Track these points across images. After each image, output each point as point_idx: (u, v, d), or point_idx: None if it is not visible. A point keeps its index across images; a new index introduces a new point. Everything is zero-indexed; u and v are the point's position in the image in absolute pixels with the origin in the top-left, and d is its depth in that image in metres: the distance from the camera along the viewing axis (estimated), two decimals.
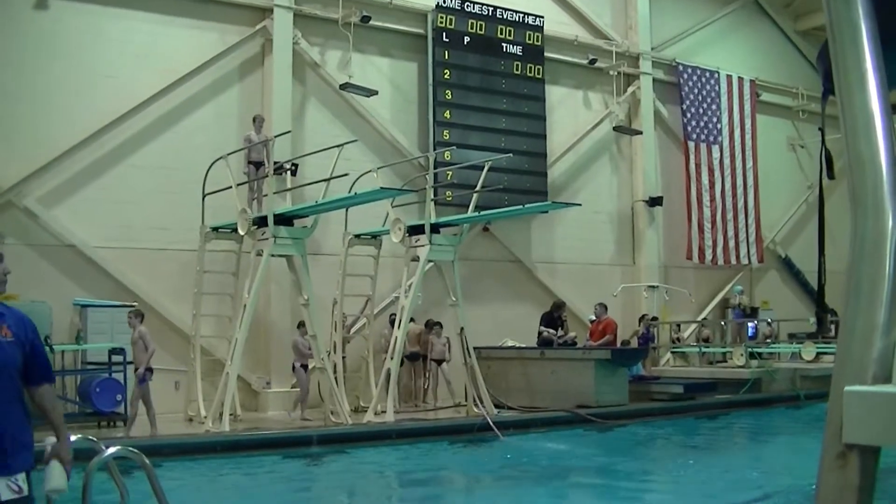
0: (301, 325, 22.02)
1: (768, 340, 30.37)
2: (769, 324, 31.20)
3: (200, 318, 21.82)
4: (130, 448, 7.06)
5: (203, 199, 21.76)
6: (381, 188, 20.67)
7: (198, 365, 21.60)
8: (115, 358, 20.83)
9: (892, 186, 1.78)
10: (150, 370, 18.43)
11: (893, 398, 1.64)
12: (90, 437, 7.34)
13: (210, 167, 21.58)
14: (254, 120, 23.06)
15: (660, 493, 16.69)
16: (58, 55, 22.32)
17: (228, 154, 21.53)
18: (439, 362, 24.32)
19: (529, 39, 29.05)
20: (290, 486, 16.29)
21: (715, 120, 34.20)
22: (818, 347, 26.02)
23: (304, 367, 21.94)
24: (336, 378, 21.39)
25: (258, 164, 22.26)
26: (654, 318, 30.15)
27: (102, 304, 21.49)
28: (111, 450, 6.75)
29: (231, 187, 21.09)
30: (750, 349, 28.25)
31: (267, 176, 20.94)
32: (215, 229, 21.97)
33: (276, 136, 21.70)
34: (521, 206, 23.54)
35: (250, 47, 24.94)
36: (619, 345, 26.20)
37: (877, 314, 1.71)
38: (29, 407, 6.07)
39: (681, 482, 16.96)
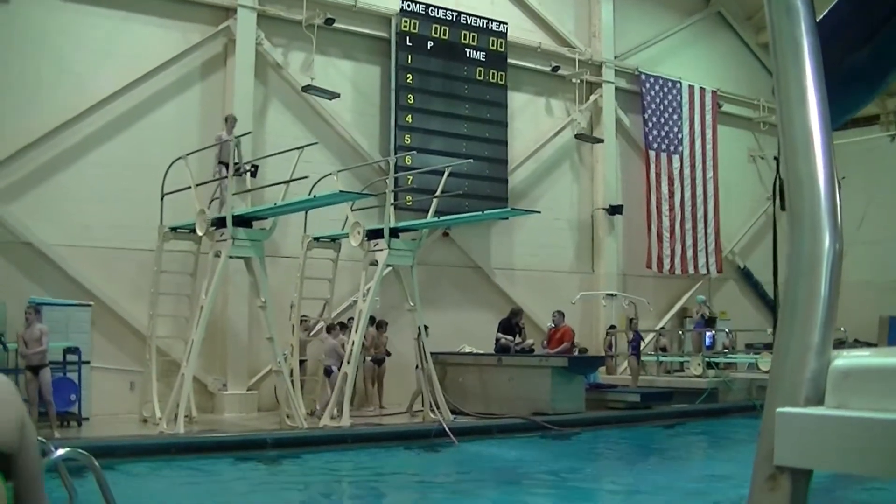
0: (331, 328, 22.65)
1: (726, 351, 30.51)
2: (727, 334, 31.31)
3: (157, 318, 21.69)
4: (79, 450, 7.01)
5: (162, 198, 21.64)
6: (341, 191, 20.63)
7: (153, 365, 21.45)
8: (70, 357, 20.70)
9: (830, 206, 1.79)
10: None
11: (825, 420, 1.64)
12: (40, 439, 7.29)
13: (170, 167, 21.46)
14: (226, 120, 22.91)
15: (612, 501, 16.76)
16: (17, 50, 22.14)
17: (189, 154, 21.41)
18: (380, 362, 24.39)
19: (493, 45, 29.07)
20: (243, 489, 16.23)
21: (676, 130, 34.35)
22: None
23: (329, 370, 22.07)
24: (293, 381, 21.33)
25: (228, 165, 22.17)
26: (612, 327, 30.22)
27: (58, 302, 21.31)
28: (59, 451, 6.70)
29: (190, 187, 21.02)
30: (707, 359, 28.38)
31: (226, 177, 20.89)
32: (174, 229, 21.85)
33: (237, 137, 21.64)
34: (480, 213, 23.51)
35: (213, 47, 24.83)
36: (576, 352, 26.28)
37: (811, 335, 1.71)
38: None
39: (633, 491, 17.01)
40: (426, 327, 22.28)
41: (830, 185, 1.82)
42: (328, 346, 23.00)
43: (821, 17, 2.61)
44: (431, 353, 22.41)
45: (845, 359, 1.65)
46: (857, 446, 1.57)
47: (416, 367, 22.41)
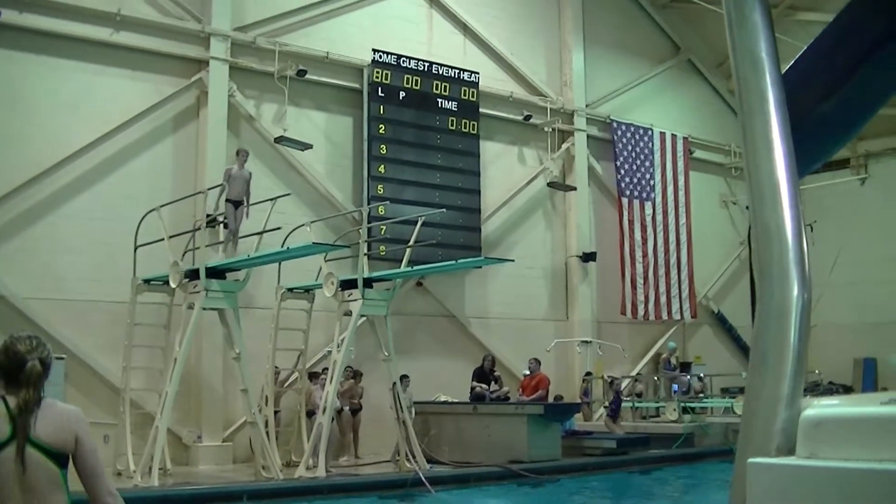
0: (314, 375, 23.02)
1: (700, 395, 30.52)
2: (700, 379, 31.33)
3: (131, 370, 21.50)
4: None
5: (135, 250, 21.58)
6: (314, 243, 20.65)
7: (127, 418, 21.26)
8: None
9: (798, 256, 1.79)
10: None
11: (797, 470, 1.63)
12: None
13: (143, 219, 21.43)
14: (237, 153, 22.81)
15: None
16: None
17: (162, 206, 21.41)
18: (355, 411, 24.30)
19: (465, 95, 29.19)
20: None
21: (648, 176, 34.49)
22: None
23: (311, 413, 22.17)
24: (268, 432, 21.22)
25: (236, 203, 21.94)
26: (588, 373, 30.20)
27: None
28: None
29: (164, 239, 20.98)
30: (683, 404, 28.38)
31: (212, 224, 20.86)
32: (147, 281, 21.79)
33: (209, 190, 21.62)
34: (454, 262, 23.55)
35: (185, 99, 24.85)
36: (551, 399, 26.25)
37: (781, 385, 1.71)
38: None
39: None
40: (405, 377, 22.28)
41: (798, 235, 1.82)
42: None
43: (786, 69, 2.64)
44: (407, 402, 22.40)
45: (816, 408, 1.66)
46: (829, 497, 1.57)
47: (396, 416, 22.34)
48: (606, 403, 28.38)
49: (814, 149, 2.93)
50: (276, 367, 23.18)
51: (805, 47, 2.90)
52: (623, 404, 29.63)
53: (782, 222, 1.81)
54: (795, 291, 1.74)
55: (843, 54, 2.63)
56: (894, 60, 2.69)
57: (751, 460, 1.65)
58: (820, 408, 1.65)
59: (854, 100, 2.87)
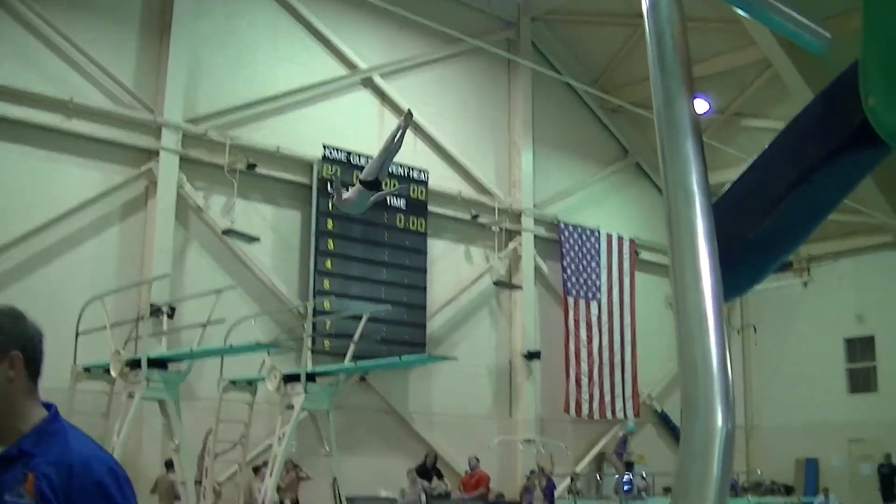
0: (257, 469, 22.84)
1: (643, 493, 30.53)
2: (643, 477, 31.37)
3: None
4: None
5: (76, 337, 21.40)
6: (257, 343, 20.62)
7: None
8: None
9: (723, 389, 1.83)
10: None
11: None
12: None
13: (85, 306, 21.28)
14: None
15: None
16: None
17: (105, 294, 21.29)
18: None
19: (414, 193, 29.36)
20: None
21: (594, 277, 34.74)
22: None
23: None
24: None
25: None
26: (538, 470, 29.93)
27: None
28: None
29: (106, 327, 20.84)
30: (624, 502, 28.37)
31: (156, 314, 20.79)
32: (87, 369, 21.60)
33: (153, 279, 21.55)
34: (398, 358, 23.51)
35: (134, 188, 24.86)
36: (493, 498, 26.16)
37: None
38: None
39: None
40: (335, 479, 22.17)
41: (723, 367, 1.87)
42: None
43: (720, 197, 2.72)
44: (348, 498, 22.22)
45: None
46: None
47: None
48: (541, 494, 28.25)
49: (749, 270, 3.00)
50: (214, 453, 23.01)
51: (745, 168, 2.99)
52: (564, 503, 29.56)
53: (708, 355, 1.86)
54: (719, 423, 1.78)
55: (788, 170, 2.71)
56: (842, 173, 2.77)
57: None
58: None
59: (787, 226, 2.94)
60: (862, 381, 36.69)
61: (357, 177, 27.05)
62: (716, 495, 1.76)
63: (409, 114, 17.04)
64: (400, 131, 16.57)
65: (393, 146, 16.70)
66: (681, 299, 1.99)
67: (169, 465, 22.53)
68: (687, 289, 1.99)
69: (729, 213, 2.69)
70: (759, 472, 37.25)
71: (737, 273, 2.77)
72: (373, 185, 16.80)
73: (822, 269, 37.76)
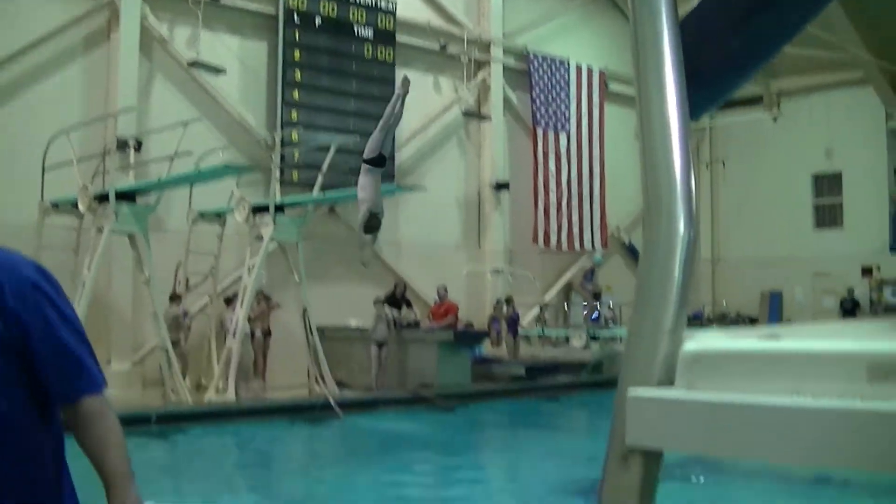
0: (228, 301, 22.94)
1: (610, 324, 30.97)
2: (610, 308, 31.80)
3: None
4: None
5: (43, 173, 21.28)
6: (226, 165, 20.58)
7: None
8: None
9: (685, 194, 1.83)
10: None
11: (675, 402, 1.67)
12: None
13: (51, 141, 21.13)
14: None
15: (493, 473, 17.04)
16: None
17: (71, 128, 21.11)
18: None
19: (381, 23, 29.01)
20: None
21: (564, 108, 34.63)
22: None
23: None
24: (178, 356, 21.24)
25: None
26: (503, 300, 30.21)
27: None
28: None
29: (72, 162, 20.72)
30: (591, 333, 28.75)
31: (109, 152, 20.65)
32: (55, 205, 21.55)
33: (119, 112, 21.36)
34: None
35: (96, 20, 24.40)
36: (462, 327, 26.46)
37: (664, 318, 1.74)
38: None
39: (513, 461, 17.29)
40: (304, 309, 22.34)
41: (686, 174, 1.86)
42: (170, 316, 22.88)
43: (687, 15, 2.68)
44: (318, 327, 22.49)
45: (696, 342, 1.71)
46: (704, 427, 1.62)
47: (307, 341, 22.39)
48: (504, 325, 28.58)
49: (717, 86, 2.98)
50: (186, 280, 23.14)
51: None
52: (532, 332, 29.95)
53: (671, 161, 1.84)
54: (682, 229, 1.78)
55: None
56: None
57: (630, 391, 1.70)
58: (700, 341, 1.71)
59: (755, 42, 2.91)
60: (828, 216, 37.09)
61: (323, 7, 26.93)
62: (677, 298, 1.76)
63: (406, 80, 15.64)
64: (399, 101, 15.33)
65: (393, 118, 15.50)
66: (644, 108, 1.97)
67: (173, 298, 22.71)
68: (651, 97, 1.97)
69: (696, 31, 2.66)
70: (724, 304, 37.83)
71: (704, 91, 2.75)
72: (378, 161, 15.49)
73: (792, 105, 37.75)
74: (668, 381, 1.71)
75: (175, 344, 21.91)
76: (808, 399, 1.53)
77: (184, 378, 21.51)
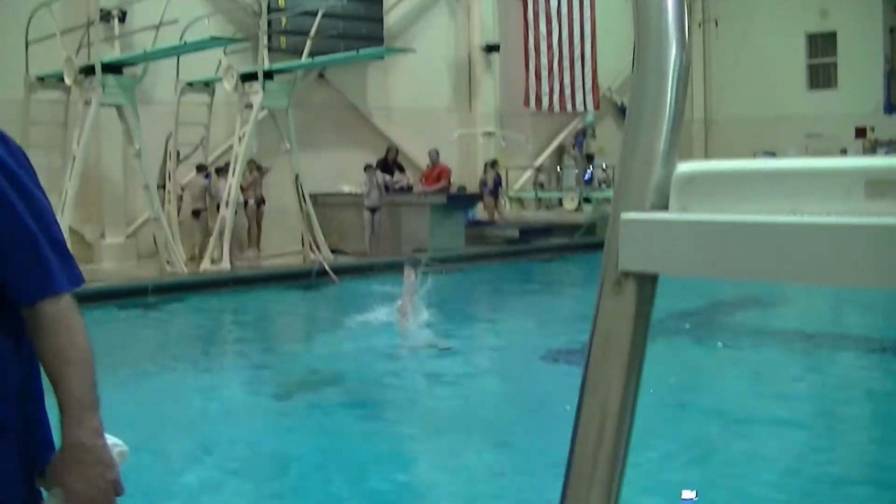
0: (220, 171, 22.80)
1: (603, 186, 30.97)
2: (604, 169, 31.78)
3: None
4: None
5: (26, 47, 21.06)
6: (212, 38, 20.38)
7: None
8: None
9: (677, 19, 1.78)
10: None
11: (669, 225, 1.65)
12: None
13: (33, 14, 20.87)
14: None
15: (489, 330, 17.26)
16: None
17: (51, 0, 20.83)
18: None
19: None
20: (125, 336, 16.22)
21: None
22: None
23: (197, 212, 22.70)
24: (171, 227, 21.28)
25: None
26: (494, 162, 30.17)
27: None
28: None
29: (55, 35, 20.51)
30: (584, 195, 28.77)
31: (93, 23, 20.43)
32: (41, 79, 21.37)
33: None
34: (355, 52, 23.29)
35: None
36: (455, 190, 26.47)
37: (656, 143, 1.70)
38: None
39: (509, 325, 17.47)
40: (297, 175, 22.30)
41: (678, 3, 1.81)
42: (198, 186, 22.88)
43: None
44: (311, 195, 22.49)
45: (689, 165, 1.68)
46: (699, 249, 1.60)
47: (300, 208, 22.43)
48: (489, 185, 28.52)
49: None
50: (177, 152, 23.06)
51: None
52: (526, 195, 29.97)
53: None
54: (673, 53, 1.73)
55: None
56: None
57: (623, 215, 1.67)
58: (693, 164, 1.67)
59: None
60: (822, 76, 36.82)
61: None
62: (669, 122, 1.71)
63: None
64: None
65: None
66: None
67: (200, 168, 22.74)
68: None
69: None
70: None
71: None
72: None
73: None
74: (662, 205, 1.68)
75: (197, 214, 22.04)
76: (806, 216, 1.50)
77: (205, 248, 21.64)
